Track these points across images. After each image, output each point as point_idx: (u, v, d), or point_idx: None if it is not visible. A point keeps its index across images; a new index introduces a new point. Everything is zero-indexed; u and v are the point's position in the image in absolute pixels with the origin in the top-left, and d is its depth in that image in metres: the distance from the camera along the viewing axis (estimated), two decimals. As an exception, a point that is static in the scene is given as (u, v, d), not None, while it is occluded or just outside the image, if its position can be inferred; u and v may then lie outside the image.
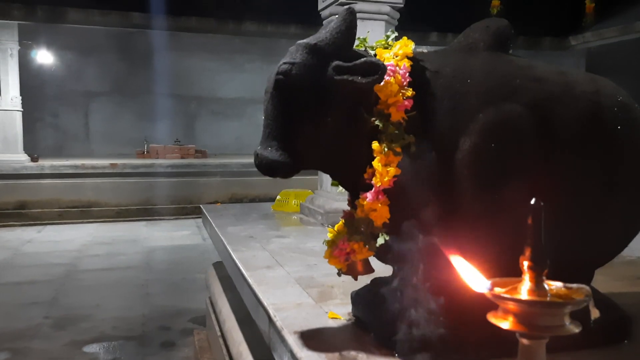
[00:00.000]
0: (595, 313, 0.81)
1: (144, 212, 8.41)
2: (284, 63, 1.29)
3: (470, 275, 0.83)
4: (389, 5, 3.27)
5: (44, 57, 10.53)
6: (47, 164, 8.40)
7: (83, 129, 10.97)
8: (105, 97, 10.97)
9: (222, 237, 2.79)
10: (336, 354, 1.30)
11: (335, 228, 1.42)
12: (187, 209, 8.50)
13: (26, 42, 9.94)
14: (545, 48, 11.42)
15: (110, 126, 10.94)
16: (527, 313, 0.77)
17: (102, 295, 4.53)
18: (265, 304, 1.70)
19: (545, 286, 0.80)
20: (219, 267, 3.39)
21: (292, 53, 1.31)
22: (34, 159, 8.67)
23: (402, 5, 3.35)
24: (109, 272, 5.31)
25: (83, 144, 10.88)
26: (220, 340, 2.72)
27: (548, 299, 0.78)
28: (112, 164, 8.58)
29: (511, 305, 0.78)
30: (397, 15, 3.43)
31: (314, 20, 3.97)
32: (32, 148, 9.38)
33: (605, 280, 1.82)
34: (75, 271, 5.29)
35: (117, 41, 10.57)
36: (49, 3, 9.09)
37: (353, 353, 1.31)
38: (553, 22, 10.60)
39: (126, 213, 8.32)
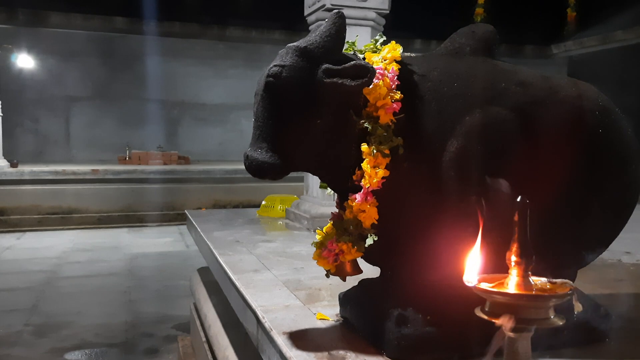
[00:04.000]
0: (578, 307, 0.84)
1: (126, 218, 8.32)
2: (275, 65, 1.31)
3: (472, 268, 0.85)
4: (375, 12, 3.32)
5: (24, 61, 10.39)
6: (27, 169, 8.27)
7: (64, 134, 10.83)
8: (87, 102, 10.86)
9: (208, 242, 2.78)
10: (325, 353, 1.31)
11: (324, 229, 1.43)
12: (169, 216, 8.43)
13: (6, 46, 9.82)
14: (527, 56, 11.64)
15: (91, 132, 10.81)
16: (514, 306, 0.80)
17: (84, 302, 4.47)
18: (253, 306, 1.71)
19: (531, 281, 0.83)
20: (203, 272, 3.38)
21: (282, 56, 1.33)
22: (13, 165, 8.53)
23: (388, 12, 3.40)
24: (90, 279, 5.24)
25: (64, 149, 10.73)
26: (206, 346, 2.71)
27: (533, 292, 0.80)
28: (93, 170, 8.48)
29: (498, 299, 0.81)
30: (383, 21, 3.48)
31: (299, 26, 4.01)
32: (11, 153, 9.23)
33: (587, 282, 1.87)
34: (55, 278, 5.21)
35: (99, 46, 10.48)
36: (31, 6, 9.00)
37: (342, 352, 1.32)
38: (535, 30, 10.81)
39: (108, 220, 8.22)
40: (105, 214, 8.26)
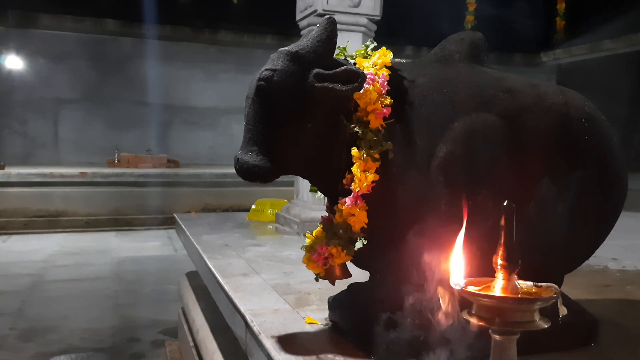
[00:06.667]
0: (563, 310, 0.85)
1: (114, 222, 8.25)
2: (266, 69, 1.32)
3: (456, 271, 0.86)
4: (367, 18, 3.34)
5: (13, 62, 10.29)
6: (14, 172, 8.18)
7: (52, 136, 10.73)
8: (76, 105, 10.77)
9: (197, 246, 2.77)
10: (313, 357, 1.32)
11: (314, 233, 1.44)
12: (158, 220, 8.37)
13: (-5, 47, 9.74)
14: (517, 64, 11.75)
15: (80, 134, 10.72)
16: (500, 309, 0.81)
17: (70, 306, 4.42)
18: (242, 310, 1.71)
19: (517, 284, 0.84)
20: (192, 277, 3.37)
21: (274, 60, 1.33)
22: (0, 167, 8.44)
23: (379, 18, 3.42)
24: (77, 282, 5.19)
25: (52, 151, 10.63)
26: (193, 351, 2.70)
27: (519, 295, 0.81)
28: (81, 173, 8.41)
29: (484, 302, 0.82)
30: (374, 27, 3.50)
31: (291, 31, 4.03)
32: (-2, 155, 9.14)
33: (573, 287, 1.88)
34: (42, 282, 5.15)
35: (89, 48, 10.41)
36: (21, 8, 8.93)
37: (330, 356, 1.33)
38: (525, 38, 10.93)
39: (96, 223, 8.15)
40: (93, 217, 8.18)
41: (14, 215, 7.85)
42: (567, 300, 1.49)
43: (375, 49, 1.45)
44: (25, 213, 7.92)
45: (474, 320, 0.83)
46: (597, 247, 1.56)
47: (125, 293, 4.86)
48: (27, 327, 3.92)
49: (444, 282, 0.92)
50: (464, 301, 0.87)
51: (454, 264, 0.87)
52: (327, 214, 1.47)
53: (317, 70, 1.30)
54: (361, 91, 1.30)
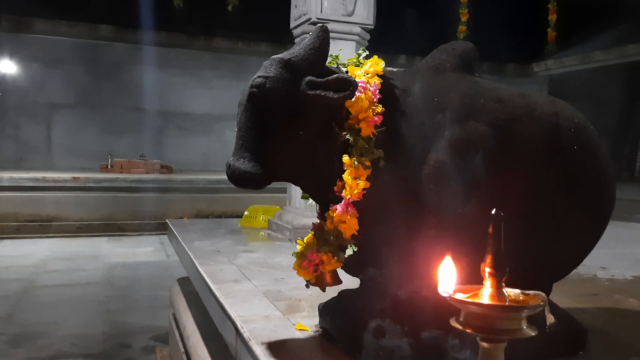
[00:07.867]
0: (550, 318, 0.86)
1: (106, 227, 8.21)
2: (259, 77, 1.33)
3: (447, 278, 0.86)
4: (360, 27, 3.37)
5: (6, 67, 10.26)
6: (6, 176, 8.13)
7: (45, 141, 10.68)
8: (69, 109, 10.73)
9: (188, 252, 2.77)
10: (303, 364, 1.32)
11: (305, 240, 1.44)
12: (150, 225, 8.34)
13: (-12, 51, 9.70)
14: (509, 74, 11.84)
15: (73, 139, 10.68)
16: (487, 317, 0.81)
17: (61, 311, 4.39)
18: (232, 316, 1.71)
19: (505, 292, 0.85)
20: (183, 283, 3.36)
21: (267, 67, 1.35)
22: (-8, 171, 8.39)
23: (372, 27, 3.45)
24: (68, 288, 5.16)
25: (44, 156, 10.57)
26: (184, 357, 2.69)
27: (507, 303, 0.82)
28: (74, 178, 8.37)
29: (472, 310, 0.82)
30: (368, 36, 3.52)
31: (285, 38, 4.05)
32: (-10, 159, 9.07)
33: (562, 296, 1.90)
34: (32, 287, 5.11)
35: (83, 53, 10.39)
36: (15, 12, 8.90)
37: (320, 363, 1.33)
38: (517, 49, 11.03)
39: (87, 228, 8.10)
40: (85, 223, 8.14)
41: (6, 219, 7.80)
42: (555, 309, 1.50)
43: (367, 57, 1.46)
44: (16, 218, 7.87)
45: (461, 328, 0.84)
46: (586, 256, 1.57)
47: (117, 299, 4.83)
48: (17, 332, 3.88)
49: (434, 289, 0.92)
50: (453, 308, 0.88)
51: (443, 272, 0.87)
52: (318, 221, 1.48)
53: (309, 77, 1.31)
54: (353, 99, 1.32)
